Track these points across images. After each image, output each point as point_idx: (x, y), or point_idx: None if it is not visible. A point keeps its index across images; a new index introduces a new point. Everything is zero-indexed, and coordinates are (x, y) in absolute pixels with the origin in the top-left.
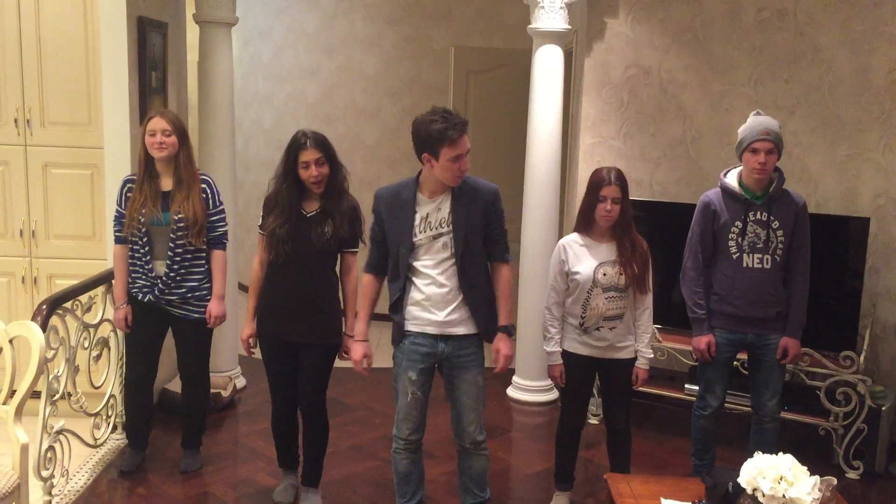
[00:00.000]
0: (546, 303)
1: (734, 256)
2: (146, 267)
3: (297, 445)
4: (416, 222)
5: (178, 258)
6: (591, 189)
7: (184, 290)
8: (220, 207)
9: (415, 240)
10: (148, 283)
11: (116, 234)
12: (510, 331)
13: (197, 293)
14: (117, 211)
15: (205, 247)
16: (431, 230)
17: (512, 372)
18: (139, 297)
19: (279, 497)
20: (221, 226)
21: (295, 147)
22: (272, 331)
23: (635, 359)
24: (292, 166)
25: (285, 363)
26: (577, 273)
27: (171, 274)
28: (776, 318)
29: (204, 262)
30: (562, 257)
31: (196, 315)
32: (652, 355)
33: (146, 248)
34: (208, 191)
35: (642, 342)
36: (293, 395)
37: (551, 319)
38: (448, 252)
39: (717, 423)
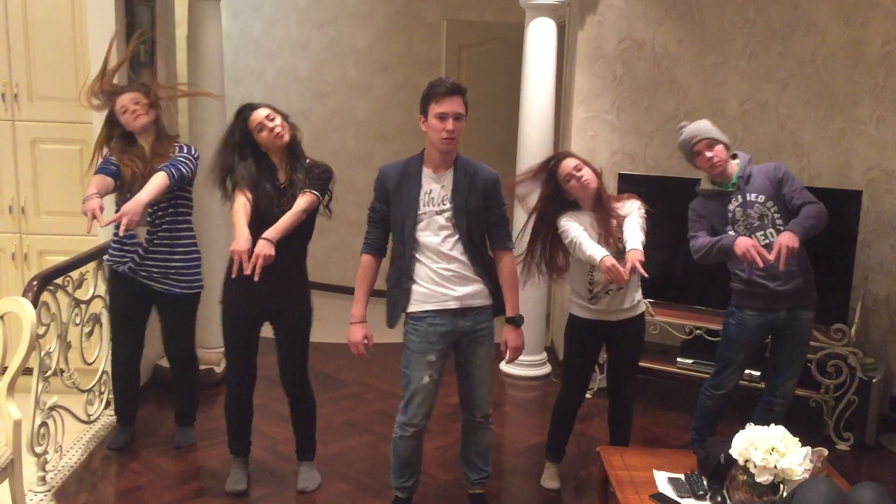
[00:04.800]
0: (576, 249)
1: None
2: (128, 232)
3: (251, 429)
4: (421, 196)
5: (157, 221)
6: (550, 177)
7: (163, 261)
8: (188, 155)
9: (419, 213)
10: (127, 255)
11: (99, 168)
12: (518, 321)
13: (179, 266)
14: (106, 159)
15: (184, 220)
16: (434, 205)
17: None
18: (118, 269)
19: (232, 486)
20: (180, 161)
21: (244, 113)
22: (241, 301)
23: (644, 315)
24: (244, 135)
25: (250, 336)
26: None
27: (151, 238)
28: (806, 287)
29: (185, 236)
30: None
31: (178, 290)
32: (641, 243)
33: None
34: (178, 148)
35: (631, 240)
36: (252, 371)
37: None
38: (451, 228)
39: (724, 404)
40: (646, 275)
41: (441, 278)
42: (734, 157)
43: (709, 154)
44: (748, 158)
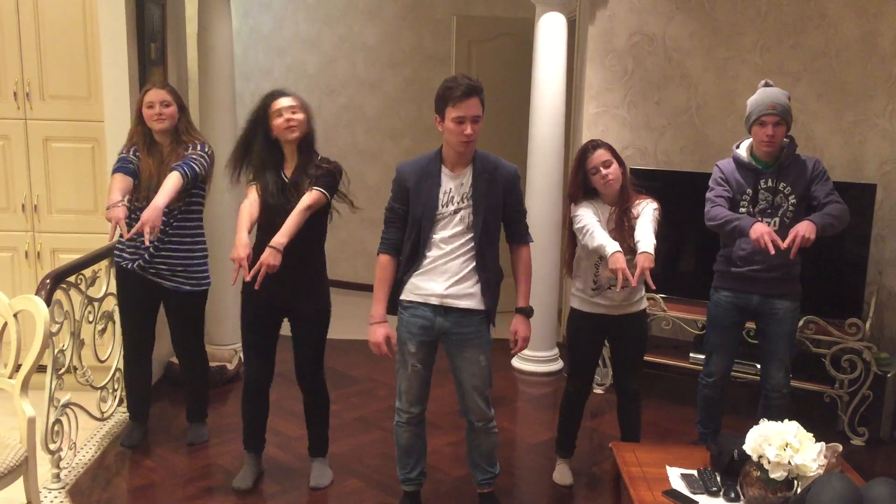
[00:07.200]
0: (586, 236)
1: None
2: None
3: (266, 426)
4: (441, 195)
5: (169, 219)
6: (581, 164)
7: (172, 258)
8: (202, 152)
9: (438, 213)
10: (137, 253)
11: (117, 166)
12: (529, 312)
13: (187, 263)
14: (123, 157)
15: (195, 218)
16: (453, 204)
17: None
18: (127, 266)
19: (239, 482)
20: (192, 159)
21: (267, 99)
22: (263, 296)
23: (645, 310)
24: (263, 120)
25: (269, 333)
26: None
27: (161, 236)
28: (783, 279)
29: (194, 233)
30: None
31: (187, 287)
32: (653, 246)
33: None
34: (191, 146)
35: (643, 241)
36: (269, 368)
37: (595, 233)
38: (464, 226)
39: (722, 392)
40: (653, 286)
41: (434, 271)
42: (788, 137)
43: (771, 131)
44: (795, 146)
